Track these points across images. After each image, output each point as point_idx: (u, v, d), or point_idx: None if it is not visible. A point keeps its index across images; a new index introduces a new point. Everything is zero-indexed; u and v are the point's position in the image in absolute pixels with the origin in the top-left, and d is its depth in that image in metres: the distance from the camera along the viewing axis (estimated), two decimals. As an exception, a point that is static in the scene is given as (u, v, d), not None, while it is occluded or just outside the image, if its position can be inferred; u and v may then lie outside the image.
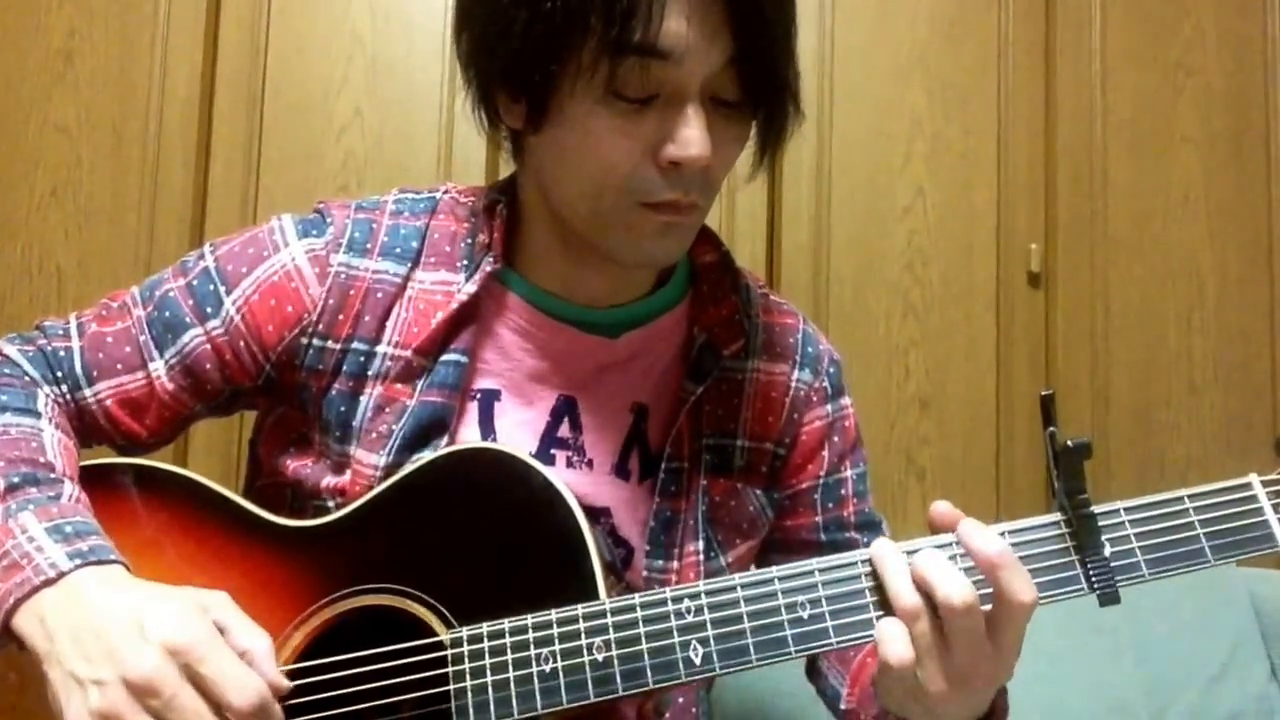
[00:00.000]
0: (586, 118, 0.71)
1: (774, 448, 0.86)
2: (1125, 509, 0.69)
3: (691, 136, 0.71)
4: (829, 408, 0.89)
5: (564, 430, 0.82)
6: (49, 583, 0.64)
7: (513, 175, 0.88)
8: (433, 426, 0.79)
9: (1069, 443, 0.66)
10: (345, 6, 1.77)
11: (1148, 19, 1.88)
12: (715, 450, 0.83)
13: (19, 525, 0.67)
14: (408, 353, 0.80)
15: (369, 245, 0.81)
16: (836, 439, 0.89)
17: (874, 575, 0.68)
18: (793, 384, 0.87)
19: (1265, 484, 0.69)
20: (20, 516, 0.67)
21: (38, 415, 0.76)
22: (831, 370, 0.91)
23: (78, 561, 0.65)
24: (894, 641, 0.64)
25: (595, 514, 0.80)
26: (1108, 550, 0.67)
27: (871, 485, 0.92)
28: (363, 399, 0.80)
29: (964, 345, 1.82)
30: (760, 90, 0.74)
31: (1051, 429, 0.67)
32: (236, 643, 0.64)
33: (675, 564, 0.81)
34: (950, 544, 0.68)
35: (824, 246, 1.82)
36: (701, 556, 0.82)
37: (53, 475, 0.72)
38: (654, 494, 0.82)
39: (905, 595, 0.64)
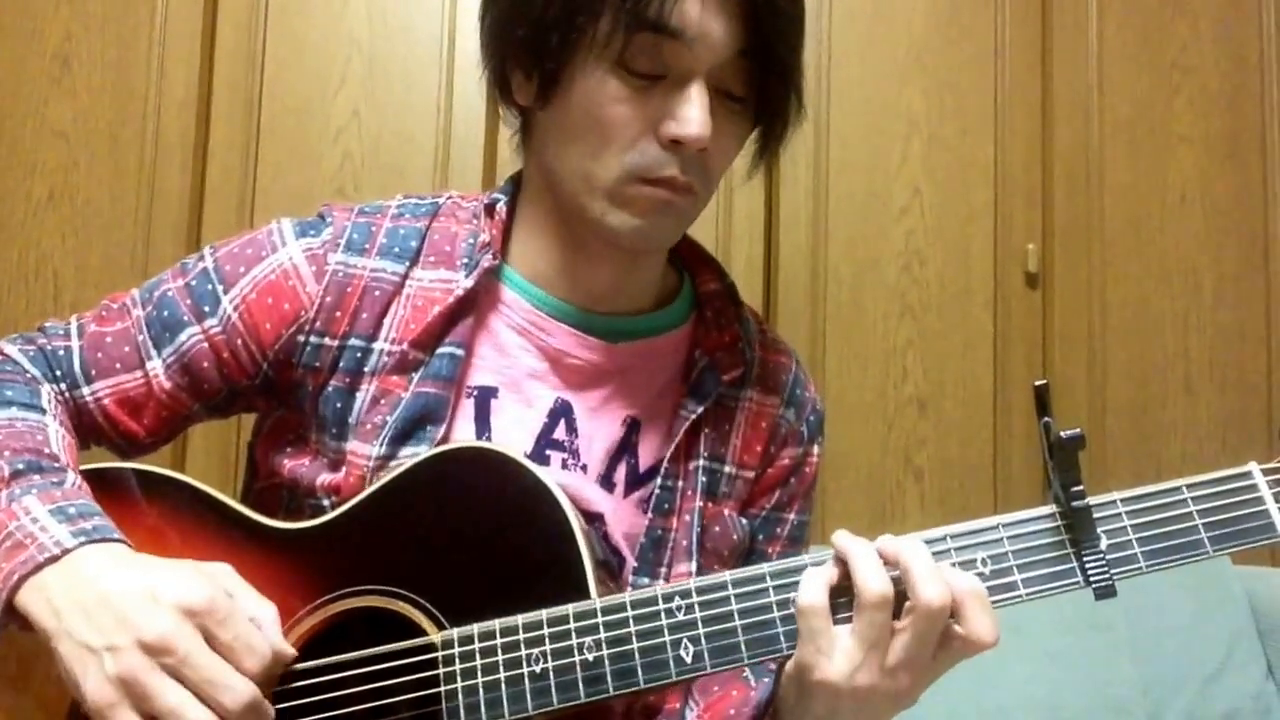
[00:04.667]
0: (596, 88, 0.74)
1: (751, 476, 0.87)
2: (1122, 500, 0.68)
3: (694, 115, 0.73)
4: (799, 450, 0.90)
5: (560, 432, 0.82)
6: (53, 560, 0.65)
7: (513, 177, 0.89)
8: (426, 417, 0.79)
9: (1063, 434, 0.65)
10: (342, 9, 1.77)
11: (1144, 19, 1.89)
12: (707, 473, 0.84)
13: (22, 508, 0.67)
14: (404, 346, 0.80)
15: (366, 246, 0.82)
16: (793, 481, 0.89)
17: None
18: (779, 419, 0.88)
19: (1265, 472, 0.68)
20: (24, 500, 0.67)
21: (42, 410, 0.77)
22: (811, 418, 0.91)
23: (81, 539, 0.66)
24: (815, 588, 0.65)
25: (589, 519, 0.80)
26: (1104, 543, 0.67)
27: (807, 539, 0.91)
28: (359, 395, 0.80)
29: (961, 345, 1.82)
30: (766, 83, 0.77)
31: (1046, 419, 0.66)
32: (245, 609, 0.65)
33: (661, 584, 0.81)
34: (935, 540, 0.67)
35: (821, 247, 1.82)
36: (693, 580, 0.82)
37: (56, 465, 0.72)
38: (640, 509, 0.82)
39: (874, 581, 0.64)
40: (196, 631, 0.62)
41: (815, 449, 0.91)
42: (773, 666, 0.80)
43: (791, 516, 0.89)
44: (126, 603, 0.62)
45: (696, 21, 0.72)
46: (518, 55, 0.79)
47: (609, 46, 0.72)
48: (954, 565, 0.66)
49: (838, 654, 0.65)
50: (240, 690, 0.61)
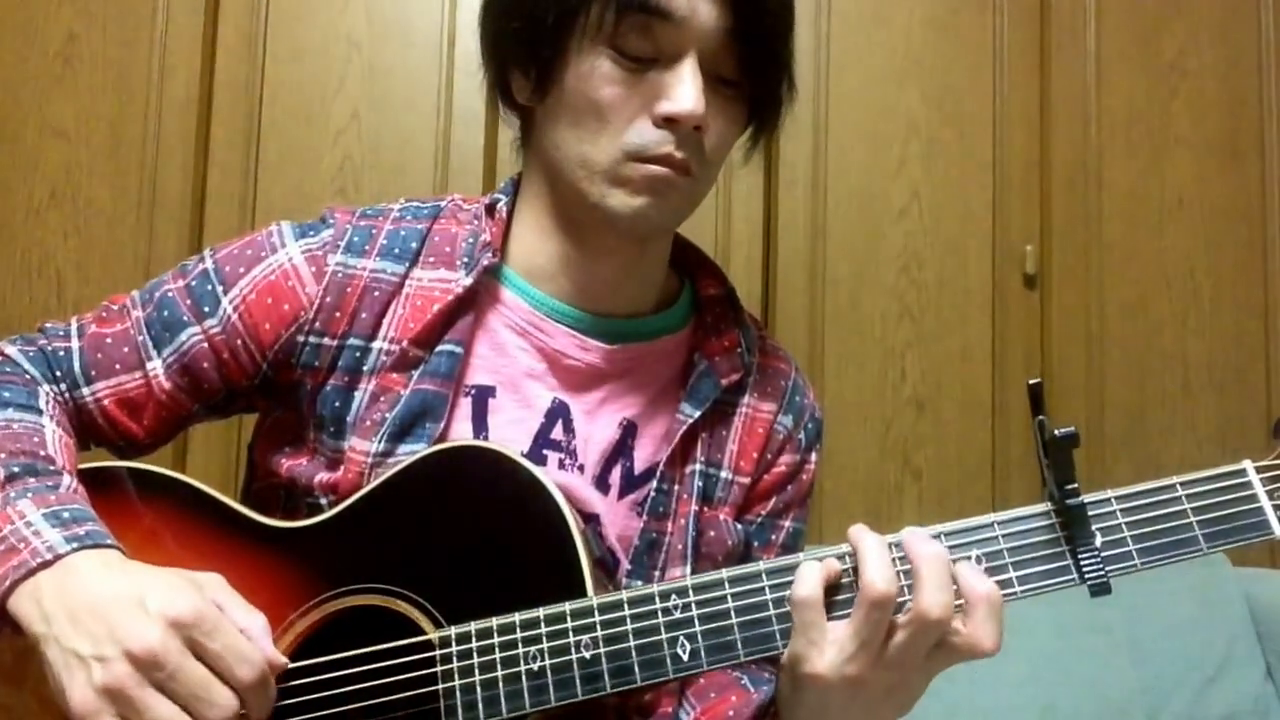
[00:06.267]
0: (590, 72, 0.76)
1: (747, 482, 0.87)
2: (1116, 497, 0.68)
3: (685, 93, 0.74)
4: (797, 458, 0.89)
5: (558, 432, 0.82)
6: (45, 565, 0.65)
7: (513, 178, 0.89)
8: (425, 413, 0.79)
9: (1057, 432, 0.65)
10: (342, 10, 1.78)
11: (1142, 21, 1.89)
12: (703, 478, 0.84)
13: (17, 512, 0.67)
14: (403, 344, 0.80)
15: (367, 247, 0.82)
16: (790, 488, 0.89)
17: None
18: (775, 425, 0.88)
19: (1259, 470, 0.69)
20: (19, 503, 0.68)
21: (39, 412, 0.77)
22: (809, 425, 0.91)
23: (74, 545, 0.66)
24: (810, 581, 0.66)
25: (585, 519, 0.80)
26: (1099, 540, 0.67)
27: (802, 547, 0.91)
28: (357, 394, 0.80)
29: (960, 347, 1.82)
30: (756, 64, 0.78)
31: (1041, 418, 0.66)
32: (234, 620, 0.65)
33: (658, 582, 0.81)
34: (953, 532, 0.68)
35: (820, 249, 1.82)
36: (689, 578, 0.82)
37: (52, 468, 0.72)
38: (634, 512, 0.82)
39: (879, 579, 0.64)
40: (184, 644, 0.62)
41: (813, 457, 0.91)
42: (771, 674, 0.80)
43: (787, 524, 0.89)
44: (115, 612, 0.62)
45: (685, 2, 0.74)
46: (515, 52, 0.80)
47: (601, 29, 0.74)
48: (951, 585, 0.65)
49: (829, 647, 0.65)
50: (226, 704, 0.62)
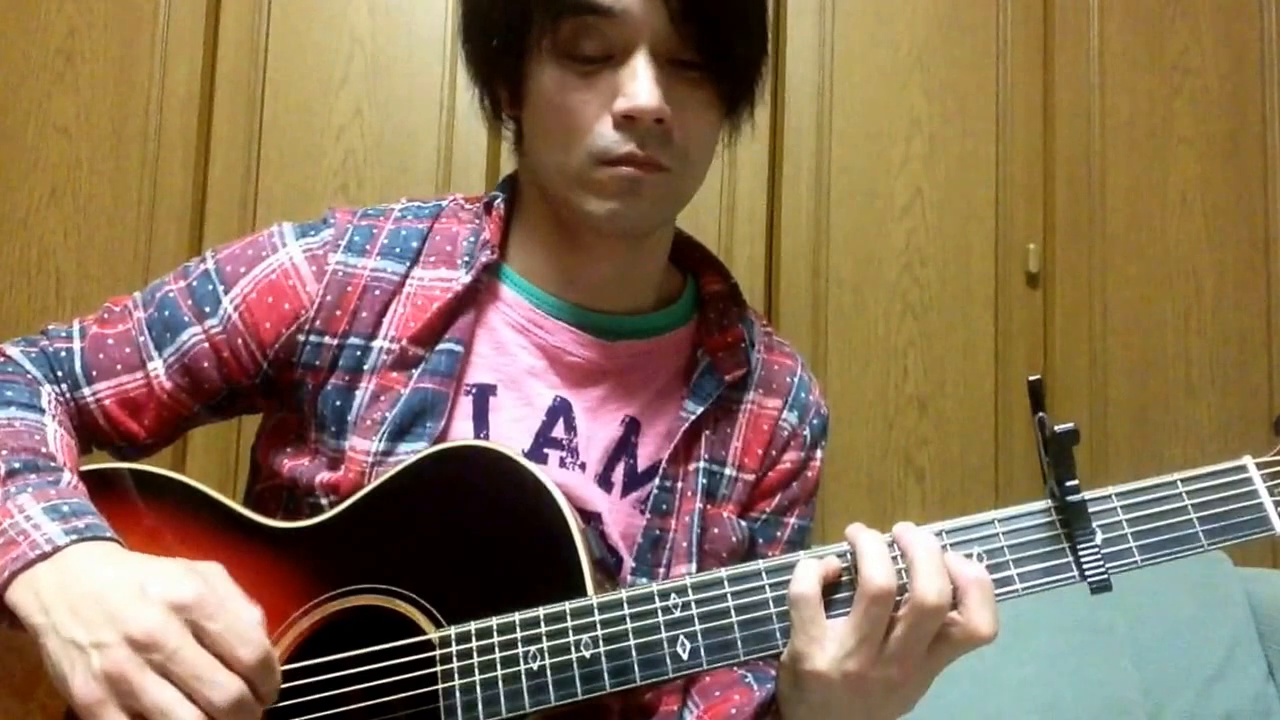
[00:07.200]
0: (549, 82, 0.76)
1: (752, 479, 0.87)
2: (1117, 494, 0.68)
3: (638, 88, 0.73)
4: (801, 455, 0.89)
5: (559, 430, 0.82)
6: (44, 557, 0.65)
7: (509, 176, 0.89)
8: (425, 412, 0.79)
9: (1057, 429, 0.65)
10: (344, 6, 1.77)
11: (1145, 20, 1.89)
12: (707, 475, 0.84)
13: (17, 505, 0.67)
14: (403, 343, 0.80)
15: (368, 247, 0.82)
16: (795, 485, 0.89)
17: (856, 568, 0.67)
18: (780, 421, 0.88)
19: (1260, 466, 0.69)
20: (19, 498, 0.68)
21: (41, 411, 0.77)
22: (815, 422, 0.90)
23: (73, 537, 0.66)
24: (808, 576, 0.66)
25: (587, 517, 0.80)
26: (1099, 537, 0.67)
27: (808, 544, 0.90)
28: (358, 393, 0.80)
29: (962, 345, 1.82)
30: (711, 41, 0.75)
31: (1041, 414, 0.66)
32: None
33: (658, 581, 0.81)
34: (954, 530, 0.68)
35: (823, 247, 1.82)
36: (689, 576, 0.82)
37: (53, 464, 0.72)
38: (637, 509, 0.82)
39: (878, 574, 0.64)
40: (185, 627, 0.62)
41: (818, 453, 0.91)
42: (774, 671, 0.80)
43: (792, 520, 0.89)
44: (115, 599, 0.62)
45: None
46: (489, 69, 0.81)
47: (546, 38, 0.74)
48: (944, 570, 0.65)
49: (829, 643, 0.65)
50: (228, 687, 0.61)
